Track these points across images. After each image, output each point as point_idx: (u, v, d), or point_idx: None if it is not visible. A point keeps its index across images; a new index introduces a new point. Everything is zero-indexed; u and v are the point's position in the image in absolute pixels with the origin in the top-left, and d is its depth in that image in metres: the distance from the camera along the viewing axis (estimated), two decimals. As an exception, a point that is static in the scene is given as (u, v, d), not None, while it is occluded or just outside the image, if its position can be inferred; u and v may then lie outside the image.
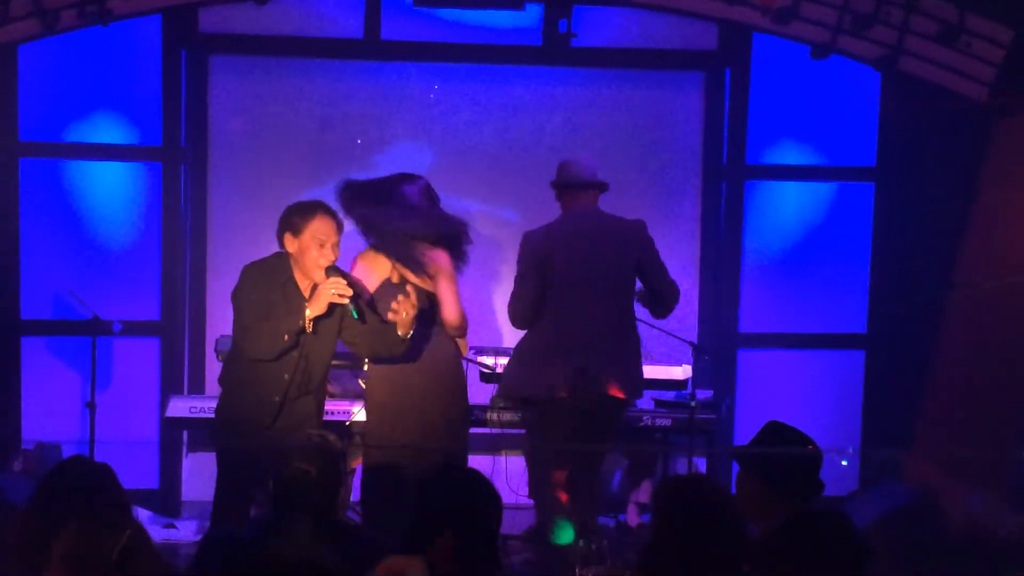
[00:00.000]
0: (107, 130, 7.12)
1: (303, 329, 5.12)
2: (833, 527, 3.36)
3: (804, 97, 7.37)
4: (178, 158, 7.21)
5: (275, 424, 5.18)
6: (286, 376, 5.18)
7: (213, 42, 7.28)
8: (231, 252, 7.24)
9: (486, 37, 7.33)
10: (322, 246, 5.14)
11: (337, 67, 7.46)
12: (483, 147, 7.56)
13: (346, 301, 5.11)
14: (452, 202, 7.35)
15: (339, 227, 5.23)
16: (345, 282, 5.12)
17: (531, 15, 7.14)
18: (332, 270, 5.17)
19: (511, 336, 6.86)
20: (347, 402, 6.49)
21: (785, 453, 3.69)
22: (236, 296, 5.27)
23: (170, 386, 7.16)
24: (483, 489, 3.45)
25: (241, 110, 7.44)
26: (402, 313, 5.24)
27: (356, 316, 5.15)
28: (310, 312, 5.11)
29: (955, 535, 6.40)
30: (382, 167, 7.29)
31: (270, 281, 5.21)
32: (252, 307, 5.19)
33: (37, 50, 6.85)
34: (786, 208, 7.45)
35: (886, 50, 6.75)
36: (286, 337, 5.10)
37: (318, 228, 5.15)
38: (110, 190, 7.15)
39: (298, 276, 5.24)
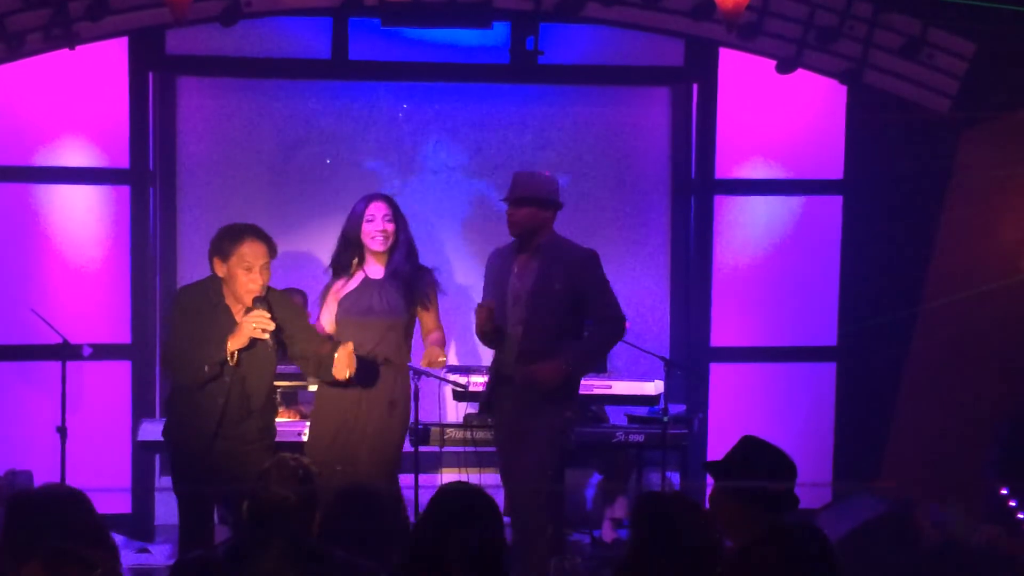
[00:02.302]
0: (75, 153, 7.09)
1: (225, 360, 5.15)
2: (807, 541, 3.38)
3: (771, 111, 7.41)
4: (146, 180, 7.19)
5: (215, 446, 5.23)
6: (220, 401, 5.21)
7: (180, 64, 7.27)
8: (201, 273, 7.11)
9: (454, 56, 7.35)
10: (249, 270, 5.19)
11: (305, 87, 7.47)
12: (452, 165, 7.58)
13: (267, 336, 5.15)
14: (423, 222, 7.39)
15: (270, 250, 5.26)
16: (268, 316, 5.15)
17: (498, 33, 7.16)
18: (259, 301, 5.19)
19: (485, 354, 6.87)
20: (303, 422, 6.44)
21: (759, 468, 3.70)
22: (167, 319, 5.33)
23: (142, 409, 7.12)
24: (486, 506, 3.46)
25: (210, 131, 7.42)
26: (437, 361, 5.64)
27: (277, 349, 5.24)
28: (231, 345, 5.15)
29: (927, 547, 6.44)
30: (351, 187, 7.30)
31: (201, 304, 5.28)
32: (177, 332, 5.28)
33: (3, 74, 6.82)
34: (755, 222, 7.48)
35: (851, 64, 6.82)
36: (206, 368, 5.14)
37: (245, 252, 5.20)
38: (79, 214, 7.11)
39: (229, 299, 5.28)
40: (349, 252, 5.84)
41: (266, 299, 5.21)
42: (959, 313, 7.05)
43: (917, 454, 7.15)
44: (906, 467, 7.19)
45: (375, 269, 5.85)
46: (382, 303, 5.75)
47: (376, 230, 5.77)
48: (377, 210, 5.79)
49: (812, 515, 6.83)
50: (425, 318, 5.88)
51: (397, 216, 5.82)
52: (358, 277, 5.85)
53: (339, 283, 5.87)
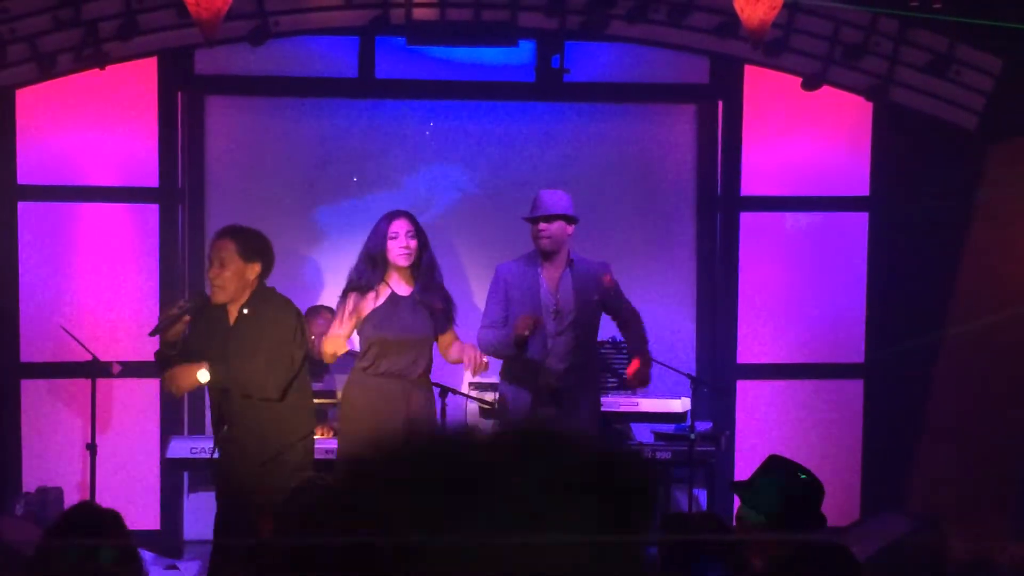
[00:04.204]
0: (104, 172, 7.15)
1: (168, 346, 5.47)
2: (835, 561, 3.38)
3: (797, 128, 7.41)
4: (175, 198, 7.24)
5: (218, 457, 5.54)
6: (214, 412, 5.55)
7: (209, 83, 7.33)
8: (229, 291, 7.25)
9: (480, 74, 7.38)
10: (211, 263, 5.50)
11: (332, 106, 7.51)
12: (479, 183, 7.60)
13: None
14: (448, 238, 7.42)
15: (234, 245, 5.45)
16: (180, 306, 5.49)
17: (524, 52, 7.20)
18: (194, 297, 5.68)
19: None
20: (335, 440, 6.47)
21: (786, 488, 3.70)
22: None
23: (171, 427, 7.16)
24: None
25: (238, 150, 7.47)
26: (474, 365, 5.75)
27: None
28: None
29: (956, 566, 6.40)
30: (378, 204, 7.33)
31: (202, 300, 5.61)
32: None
33: (34, 94, 6.89)
34: (781, 239, 7.48)
35: (877, 80, 6.81)
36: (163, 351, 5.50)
37: (210, 249, 5.58)
38: (108, 232, 7.18)
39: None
40: (377, 270, 5.86)
41: (200, 297, 5.60)
42: (987, 329, 7.02)
43: (946, 472, 7.12)
44: (935, 485, 7.16)
45: (401, 286, 5.90)
46: (416, 321, 5.84)
47: (400, 247, 5.82)
48: (400, 227, 5.84)
49: (840, 534, 6.81)
50: (443, 338, 6.00)
51: (419, 232, 5.89)
52: (384, 294, 5.89)
53: (363, 300, 5.88)
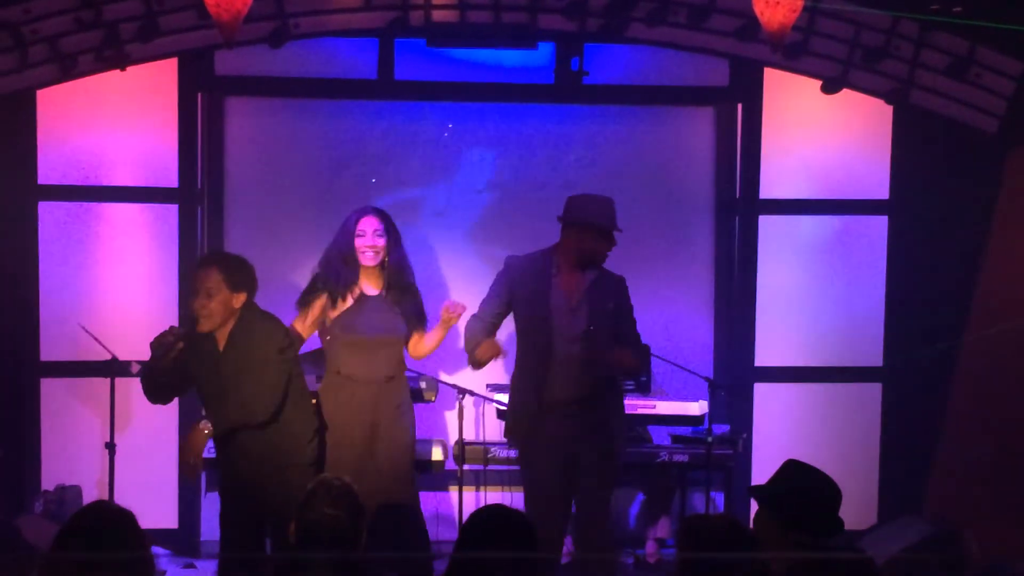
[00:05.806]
0: (124, 172, 7.18)
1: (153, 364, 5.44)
2: (853, 565, 3.38)
3: (816, 131, 7.40)
4: (195, 199, 7.26)
5: (221, 455, 5.56)
6: (211, 415, 5.52)
7: (229, 84, 7.36)
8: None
9: (499, 76, 7.39)
10: (195, 293, 5.41)
11: (352, 107, 7.53)
12: (497, 185, 7.61)
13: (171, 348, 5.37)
14: (465, 240, 7.43)
15: (220, 275, 5.37)
16: (169, 335, 5.36)
17: (543, 54, 7.20)
18: (183, 325, 5.60)
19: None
20: None
21: (803, 493, 3.69)
22: None
23: (189, 426, 7.14)
24: (522, 528, 3.47)
25: (257, 151, 7.49)
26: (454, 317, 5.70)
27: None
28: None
29: (975, 570, 6.38)
30: (396, 206, 7.35)
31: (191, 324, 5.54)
32: None
33: (55, 94, 6.92)
34: (800, 242, 7.46)
35: (897, 84, 6.79)
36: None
37: (195, 277, 5.47)
38: (128, 232, 7.20)
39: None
40: (351, 270, 5.75)
41: (190, 323, 5.46)
42: (1006, 333, 6.99)
43: (964, 476, 7.10)
44: (953, 489, 7.14)
45: (369, 286, 5.80)
46: (385, 321, 5.73)
47: (366, 245, 5.73)
48: (368, 225, 5.76)
49: (858, 537, 6.80)
50: (415, 338, 5.87)
51: (389, 231, 5.78)
52: (353, 294, 5.80)
53: (336, 302, 5.79)
